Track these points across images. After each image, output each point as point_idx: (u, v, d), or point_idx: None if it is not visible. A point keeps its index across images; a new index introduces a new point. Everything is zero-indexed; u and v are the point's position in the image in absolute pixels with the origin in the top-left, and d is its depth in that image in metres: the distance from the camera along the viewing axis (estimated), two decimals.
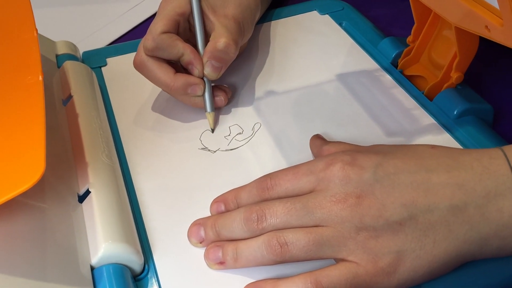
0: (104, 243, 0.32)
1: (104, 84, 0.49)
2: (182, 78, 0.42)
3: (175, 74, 0.42)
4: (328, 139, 0.39)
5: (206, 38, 0.43)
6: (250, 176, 0.37)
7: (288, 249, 0.30)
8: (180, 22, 0.43)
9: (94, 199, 0.35)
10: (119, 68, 0.50)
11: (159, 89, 0.47)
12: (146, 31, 0.43)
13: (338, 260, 0.31)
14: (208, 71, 0.42)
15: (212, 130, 0.43)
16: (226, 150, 0.42)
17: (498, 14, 0.32)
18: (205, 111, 0.44)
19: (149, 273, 0.34)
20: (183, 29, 0.44)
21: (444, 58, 0.43)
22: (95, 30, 0.58)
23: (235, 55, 0.43)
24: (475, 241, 0.30)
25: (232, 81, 0.48)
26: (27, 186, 0.26)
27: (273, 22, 0.55)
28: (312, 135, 0.40)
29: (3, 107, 0.32)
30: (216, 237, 0.34)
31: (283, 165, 0.40)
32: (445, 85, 0.43)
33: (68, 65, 0.46)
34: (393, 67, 0.47)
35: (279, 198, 0.33)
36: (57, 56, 0.49)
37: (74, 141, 0.40)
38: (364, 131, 0.42)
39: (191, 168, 0.40)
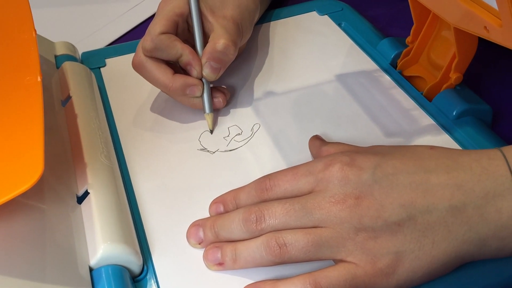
0: (103, 244, 0.32)
1: (103, 84, 0.49)
2: (180, 79, 0.42)
3: (173, 75, 0.42)
4: (327, 140, 0.39)
5: (205, 39, 0.43)
6: (249, 176, 0.37)
7: (287, 250, 0.30)
8: (179, 22, 0.43)
9: (93, 200, 0.35)
10: (118, 68, 0.50)
11: (158, 90, 0.47)
12: (145, 31, 0.43)
13: (337, 261, 0.31)
14: (207, 72, 0.42)
15: (211, 131, 0.43)
16: (225, 151, 0.42)
17: (497, 15, 0.32)
18: (204, 112, 0.43)
19: (148, 274, 0.34)
20: (182, 30, 0.44)
21: (443, 59, 0.43)
22: (94, 30, 0.58)
23: (234, 56, 0.43)
24: (474, 242, 0.30)
25: (231, 82, 0.48)
26: (26, 187, 0.26)
27: (272, 23, 0.55)
28: (311, 136, 0.40)
29: (1, 108, 0.32)
30: (215, 238, 0.34)
31: (282, 165, 0.40)
32: (444, 86, 0.43)
33: (67, 65, 0.46)
34: (392, 67, 0.47)
35: (278, 199, 0.33)
36: (56, 56, 0.49)
37: (73, 141, 0.40)
38: (363, 131, 0.42)
39: (190, 169, 0.40)
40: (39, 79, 0.32)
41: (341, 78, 0.47)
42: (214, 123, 0.44)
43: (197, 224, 0.35)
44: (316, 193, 0.31)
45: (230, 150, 0.42)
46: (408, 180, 0.30)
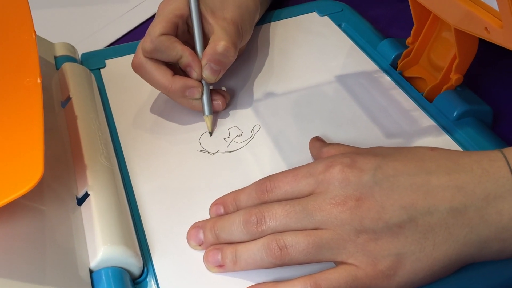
0: (103, 246, 0.32)
1: (103, 85, 0.49)
2: (180, 81, 0.42)
3: (173, 76, 0.42)
4: (327, 141, 0.39)
5: (205, 40, 0.43)
6: (250, 178, 0.37)
7: (288, 252, 0.30)
8: (178, 24, 0.43)
9: (93, 201, 0.34)
10: (118, 69, 0.50)
11: (158, 91, 0.47)
12: (145, 32, 0.42)
13: (337, 263, 0.31)
14: (206, 74, 0.42)
15: (210, 133, 0.43)
16: (225, 152, 0.42)
17: (497, 16, 0.32)
18: (203, 114, 0.43)
19: (148, 276, 0.34)
20: (182, 31, 0.44)
21: (443, 60, 0.43)
22: (94, 31, 0.58)
23: (234, 58, 0.43)
24: (475, 244, 0.30)
25: (231, 83, 0.48)
26: (26, 189, 0.26)
27: (272, 24, 0.55)
28: (311, 137, 0.40)
29: (1, 110, 0.32)
30: (215, 240, 0.34)
31: (282, 167, 0.40)
32: (445, 87, 0.42)
33: (67, 67, 0.46)
34: (393, 68, 0.47)
35: (279, 200, 0.33)
36: (55, 57, 0.49)
37: (73, 143, 0.39)
38: (364, 132, 0.42)
39: (190, 170, 0.40)
40: (38, 80, 0.32)
41: (341, 79, 0.47)
42: (214, 125, 0.44)
43: (197, 226, 0.35)
44: (317, 194, 0.31)
45: (230, 151, 0.42)
46: (409, 182, 0.30)
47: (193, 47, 0.43)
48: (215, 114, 0.45)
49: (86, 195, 0.35)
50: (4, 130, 0.30)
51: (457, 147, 0.40)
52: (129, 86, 0.48)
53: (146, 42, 0.42)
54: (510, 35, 0.31)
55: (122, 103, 0.47)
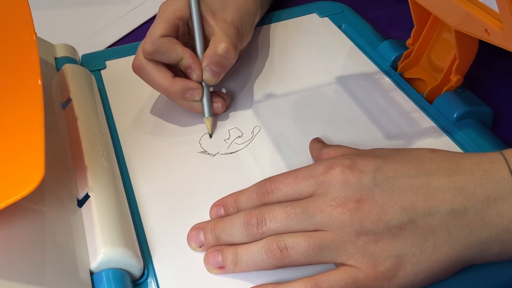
0: (103, 248, 0.32)
1: (103, 87, 0.49)
2: (180, 83, 0.42)
3: (173, 78, 0.42)
4: (327, 142, 0.39)
5: (205, 42, 0.43)
6: (250, 179, 0.37)
7: (288, 254, 0.30)
8: (179, 25, 0.43)
9: (93, 203, 0.34)
10: (118, 71, 0.50)
11: (159, 92, 0.47)
12: (146, 33, 0.42)
13: (338, 265, 0.31)
14: (207, 76, 0.42)
15: (210, 135, 0.43)
16: (225, 154, 0.42)
17: (497, 18, 0.32)
18: (203, 116, 0.43)
19: (149, 277, 0.34)
20: (182, 33, 0.44)
21: (443, 61, 0.43)
22: (94, 32, 0.58)
23: (235, 60, 0.43)
24: (476, 246, 0.30)
25: (231, 84, 0.48)
26: (27, 192, 0.26)
27: (272, 25, 0.55)
28: (311, 138, 0.40)
29: (2, 111, 0.32)
30: (215, 241, 0.34)
31: (282, 168, 0.40)
32: (445, 88, 0.42)
33: (67, 68, 0.46)
34: (393, 69, 0.47)
35: (279, 202, 0.33)
36: (56, 59, 0.49)
37: (73, 144, 0.39)
38: (364, 134, 0.42)
39: (190, 171, 0.40)
40: (39, 82, 0.32)
41: (342, 80, 0.47)
42: (214, 127, 0.44)
43: (198, 227, 0.35)
44: (317, 196, 0.31)
45: (231, 153, 0.42)
46: (409, 184, 0.30)
47: (193, 49, 0.43)
48: (215, 116, 0.45)
49: (87, 197, 0.35)
50: (5, 132, 0.30)
51: (457, 149, 0.40)
52: (130, 87, 0.48)
53: (146, 44, 0.42)
54: (510, 36, 0.31)
55: (123, 104, 0.47)
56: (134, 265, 0.33)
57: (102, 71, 0.51)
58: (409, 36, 0.45)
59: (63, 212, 0.34)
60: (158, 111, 0.46)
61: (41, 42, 0.49)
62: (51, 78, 0.46)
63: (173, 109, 0.46)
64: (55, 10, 0.63)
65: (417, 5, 0.42)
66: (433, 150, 0.32)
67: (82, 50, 0.53)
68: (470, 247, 0.30)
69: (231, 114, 0.45)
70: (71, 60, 0.49)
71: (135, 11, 0.61)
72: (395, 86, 0.46)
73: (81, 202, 0.36)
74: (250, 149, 0.42)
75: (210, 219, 0.36)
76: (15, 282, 0.28)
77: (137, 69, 0.43)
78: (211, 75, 0.42)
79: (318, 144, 0.39)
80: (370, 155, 0.33)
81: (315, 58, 0.50)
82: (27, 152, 0.28)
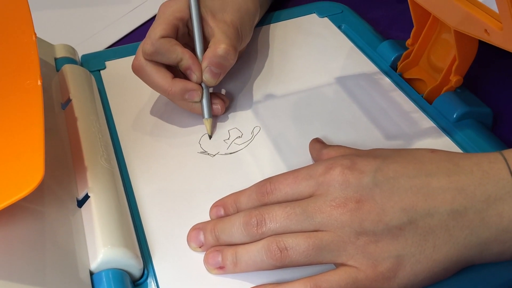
0: (103, 248, 0.32)
1: (103, 87, 0.49)
2: (180, 84, 0.42)
3: (173, 79, 0.42)
4: (327, 143, 0.39)
5: (205, 43, 0.43)
6: (250, 180, 0.37)
7: (288, 254, 0.30)
8: (179, 26, 0.43)
9: (93, 203, 0.34)
10: (118, 71, 0.50)
11: (158, 93, 0.47)
12: (146, 34, 0.42)
13: (338, 265, 0.31)
14: (207, 77, 0.42)
15: (210, 137, 0.43)
16: (225, 154, 0.42)
17: (497, 18, 0.32)
18: (203, 117, 0.43)
19: (149, 278, 0.34)
20: (182, 34, 0.44)
21: (443, 61, 0.43)
22: (94, 33, 0.58)
23: (234, 61, 0.43)
24: (475, 246, 0.30)
25: (231, 84, 0.48)
26: (27, 192, 0.26)
27: (272, 25, 0.55)
28: (311, 139, 0.40)
29: (1, 112, 0.32)
30: (215, 241, 0.34)
31: (282, 168, 0.40)
32: (445, 88, 0.43)
33: (67, 68, 0.46)
34: (392, 70, 0.47)
35: (279, 202, 0.33)
36: (55, 59, 0.49)
37: (73, 145, 0.39)
38: (364, 134, 0.42)
39: (190, 172, 0.40)
40: (39, 82, 0.32)
41: (341, 81, 0.47)
42: (213, 128, 0.44)
43: (198, 228, 0.35)
44: (317, 196, 0.31)
45: (231, 153, 0.42)
46: (409, 184, 0.30)
47: (193, 50, 0.43)
48: (215, 117, 0.45)
49: (87, 197, 0.35)
50: (5, 132, 0.30)
51: (457, 149, 0.40)
52: (129, 88, 0.48)
53: (146, 45, 0.42)
54: (509, 37, 0.31)
55: (122, 105, 0.47)
56: (134, 266, 0.33)
57: (102, 72, 0.51)
58: (408, 37, 0.45)
59: (63, 212, 0.34)
60: (158, 111, 0.46)
61: (41, 43, 0.49)
62: (51, 78, 0.46)
63: (173, 109, 0.46)
64: (55, 11, 0.63)
65: (416, 6, 0.42)
66: (433, 151, 0.32)
67: (82, 50, 0.53)
68: (470, 247, 0.30)
69: (231, 115, 0.45)
70: (71, 61, 0.49)
71: (135, 12, 0.61)
72: (394, 86, 0.46)
73: (81, 203, 0.36)
74: (250, 150, 0.42)
75: (210, 219, 0.36)
76: (14, 283, 0.28)
77: (136, 70, 0.43)
78: (211, 76, 0.42)
79: (317, 145, 0.39)
80: (370, 156, 0.33)
81: (315, 59, 0.50)
82: (27, 152, 0.28)
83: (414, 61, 0.46)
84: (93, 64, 0.51)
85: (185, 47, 0.42)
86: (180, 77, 0.43)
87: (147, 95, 0.47)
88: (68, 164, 0.38)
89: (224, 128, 0.44)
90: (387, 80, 0.46)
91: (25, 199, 0.27)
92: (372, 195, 0.30)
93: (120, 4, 0.63)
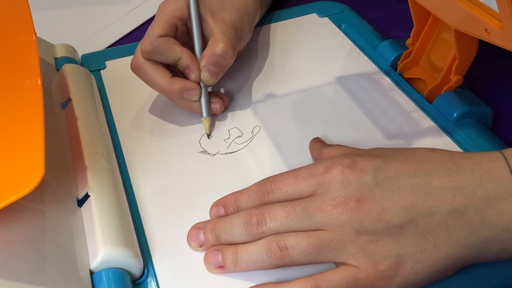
0: (103, 247, 0.32)
1: (103, 87, 0.49)
2: (178, 83, 0.42)
3: (171, 78, 0.42)
4: (327, 142, 0.39)
5: (204, 42, 0.43)
6: (250, 179, 0.37)
7: (288, 253, 0.30)
8: (178, 25, 0.43)
9: (93, 203, 0.34)
10: (118, 71, 0.50)
11: (158, 92, 0.47)
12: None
13: (338, 264, 0.31)
14: (205, 76, 0.42)
15: (208, 136, 0.43)
16: (225, 153, 0.42)
17: (497, 17, 0.32)
18: (201, 116, 0.43)
19: (149, 277, 0.34)
20: (181, 33, 0.44)
21: (443, 61, 0.43)
22: (94, 32, 0.58)
23: (233, 60, 0.43)
24: (476, 245, 0.30)
25: (231, 84, 0.48)
26: (27, 191, 0.26)
27: (272, 25, 0.55)
28: (311, 138, 0.40)
29: (2, 111, 0.32)
30: (215, 241, 0.34)
31: (282, 168, 0.40)
32: (445, 88, 0.43)
33: (67, 68, 0.46)
34: (393, 69, 0.47)
35: (279, 201, 0.33)
36: (56, 59, 0.49)
37: (73, 144, 0.39)
38: (364, 133, 0.42)
39: (190, 171, 0.40)
40: (39, 82, 0.32)
41: (341, 80, 0.47)
42: (212, 127, 0.44)
43: (198, 227, 0.35)
44: (317, 196, 0.31)
45: (231, 153, 0.42)
46: (410, 183, 0.30)
47: (192, 49, 0.43)
48: (214, 116, 0.45)
49: (87, 196, 0.35)
50: (5, 131, 0.30)
51: (457, 148, 0.40)
52: (130, 88, 0.48)
53: (145, 43, 0.42)
54: (509, 36, 0.31)
55: (123, 104, 0.47)
56: (134, 265, 0.33)
57: (102, 71, 0.51)
58: (408, 36, 0.45)
59: (63, 211, 0.34)
60: (158, 111, 0.46)
61: (41, 42, 0.49)
62: (51, 78, 0.46)
63: (173, 109, 0.46)
64: (55, 11, 0.63)
65: (416, 5, 0.42)
66: (433, 150, 0.32)
67: (82, 50, 0.53)
68: (470, 246, 0.30)
69: (231, 114, 0.45)
70: (71, 60, 0.49)
71: (135, 11, 0.61)
72: (395, 86, 0.46)
73: (81, 202, 0.36)
74: (250, 149, 0.42)
75: (210, 218, 0.36)
76: (14, 282, 0.28)
77: (135, 69, 0.43)
78: (209, 75, 0.42)
79: (318, 144, 0.39)
80: (370, 155, 0.33)
81: (315, 58, 0.50)
82: (27, 151, 0.28)
83: (414, 61, 0.46)
84: (93, 63, 0.51)
85: (184, 46, 0.42)
86: (179, 76, 0.43)
87: (147, 94, 0.47)
88: (68, 164, 0.38)
89: (224, 127, 0.44)
90: (387, 79, 0.46)
91: (25, 198, 0.27)
92: (373, 194, 0.30)
93: (120, 4, 0.63)
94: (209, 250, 0.34)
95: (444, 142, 0.40)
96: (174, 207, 0.38)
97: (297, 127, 0.43)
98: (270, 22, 0.55)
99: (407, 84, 0.46)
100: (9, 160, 0.29)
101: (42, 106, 0.30)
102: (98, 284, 0.31)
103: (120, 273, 0.32)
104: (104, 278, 0.31)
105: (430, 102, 0.43)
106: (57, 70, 0.48)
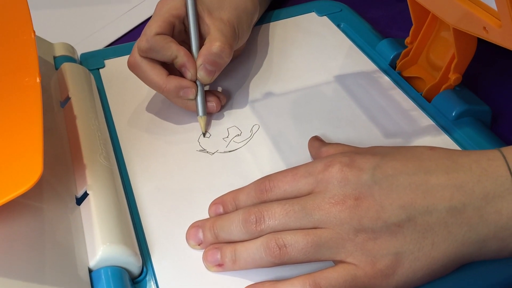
0: (102, 246, 0.32)
1: (102, 86, 0.49)
2: (174, 81, 0.42)
3: (168, 76, 0.42)
4: (326, 141, 0.39)
5: (201, 41, 0.43)
6: (249, 177, 0.37)
7: (287, 251, 0.30)
8: (175, 24, 0.43)
9: (92, 201, 0.34)
10: (117, 70, 0.50)
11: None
12: None
13: (336, 262, 0.31)
14: (201, 74, 0.42)
15: (204, 134, 0.43)
16: (224, 152, 0.42)
17: (496, 16, 0.32)
18: (197, 115, 0.43)
19: (147, 275, 0.34)
20: (178, 31, 0.44)
21: (442, 60, 0.43)
22: (93, 31, 0.58)
23: (229, 59, 0.43)
24: (474, 243, 0.30)
25: (230, 83, 0.48)
26: (25, 189, 0.26)
27: (271, 24, 0.55)
28: (310, 137, 0.40)
29: (0, 109, 0.32)
30: (214, 239, 0.34)
31: (281, 166, 0.40)
32: (443, 87, 0.43)
33: (66, 67, 0.46)
34: (391, 68, 0.47)
35: (278, 200, 0.33)
36: (54, 58, 0.49)
37: (72, 143, 0.39)
38: (362, 132, 0.42)
39: (189, 170, 0.40)
40: (38, 80, 0.32)
41: (340, 79, 0.47)
42: (208, 125, 0.44)
43: (197, 225, 0.35)
44: (316, 194, 0.31)
45: (230, 151, 0.42)
46: (408, 181, 0.30)
47: (190, 47, 0.43)
48: (211, 115, 0.45)
49: (85, 195, 0.35)
50: (4, 129, 0.30)
51: (456, 147, 0.40)
52: (128, 86, 0.48)
53: (141, 41, 0.42)
54: (508, 34, 0.31)
55: (121, 103, 0.47)
56: (133, 263, 0.33)
57: (101, 70, 0.51)
58: (407, 35, 0.45)
59: (62, 209, 0.34)
60: (157, 109, 0.46)
61: (40, 41, 0.49)
62: (50, 76, 0.46)
63: (171, 107, 0.46)
64: (54, 10, 0.63)
65: (415, 4, 0.42)
66: (431, 148, 0.32)
67: (81, 49, 0.53)
68: (468, 244, 0.30)
69: (230, 113, 0.45)
70: (70, 59, 0.49)
71: (134, 10, 0.61)
72: (393, 84, 0.46)
73: (79, 200, 0.36)
74: (248, 148, 0.42)
75: (208, 217, 0.36)
76: (13, 279, 0.28)
77: (132, 67, 0.43)
78: (205, 74, 0.42)
79: (316, 142, 0.39)
80: (368, 153, 0.33)
81: (314, 57, 0.50)
82: (25, 149, 0.28)
83: (413, 59, 0.46)
84: (92, 62, 0.51)
85: (182, 44, 0.42)
86: (176, 75, 0.43)
87: (146, 93, 0.47)
88: (67, 162, 0.38)
89: (223, 126, 0.44)
90: (386, 78, 0.47)
91: (24, 196, 0.27)
92: (371, 192, 0.30)
93: (119, 3, 0.63)
94: (208, 248, 0.34)
95: (443, 140, 0.40)
96: (173, 205, 0.38)
97: (296, 126, 0.43)
98: (269, 21, 0.55)
99: (406, 83, 0.46)
100: (7, 157, 0.29)
101: (41, 104, 0.30)
102: (97, 282, 0.31)
103: (119, 271, 0.32)
104: (103, 276, 0.31)
105: (429, 101, 0.43)
106: (56, 68, 0.48)
